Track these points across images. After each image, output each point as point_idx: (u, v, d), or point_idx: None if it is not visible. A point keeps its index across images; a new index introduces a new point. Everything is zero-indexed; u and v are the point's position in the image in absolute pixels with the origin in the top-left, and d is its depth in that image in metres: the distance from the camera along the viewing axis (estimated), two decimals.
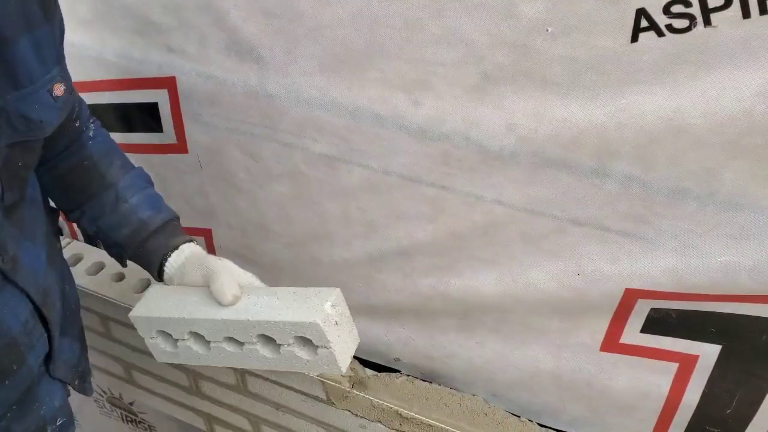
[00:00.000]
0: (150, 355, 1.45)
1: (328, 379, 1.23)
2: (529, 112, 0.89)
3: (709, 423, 1.06)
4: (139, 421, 2.00)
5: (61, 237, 1.52)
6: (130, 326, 1.43)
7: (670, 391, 1.05)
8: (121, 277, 1.45)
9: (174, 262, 1.00)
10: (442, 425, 1.18)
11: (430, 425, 1.20)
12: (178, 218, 1.06)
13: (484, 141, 0.94)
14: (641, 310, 1.00)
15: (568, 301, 1.04)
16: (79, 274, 1.45)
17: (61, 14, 0.83)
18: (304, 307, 0.88)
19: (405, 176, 1.04)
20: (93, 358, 1.58)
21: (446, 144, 0.97)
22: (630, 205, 0.90)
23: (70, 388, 1.09)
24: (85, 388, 1.16)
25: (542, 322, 1.09)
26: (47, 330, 0.93)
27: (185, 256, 1.00)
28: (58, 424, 1.01)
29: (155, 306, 1.01)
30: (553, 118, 0.88)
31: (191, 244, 1.01)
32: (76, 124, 0.99)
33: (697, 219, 0.87)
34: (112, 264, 1.47)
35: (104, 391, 1.98)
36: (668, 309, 0.98)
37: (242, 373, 1.34)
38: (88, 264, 1.48)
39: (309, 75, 1.01)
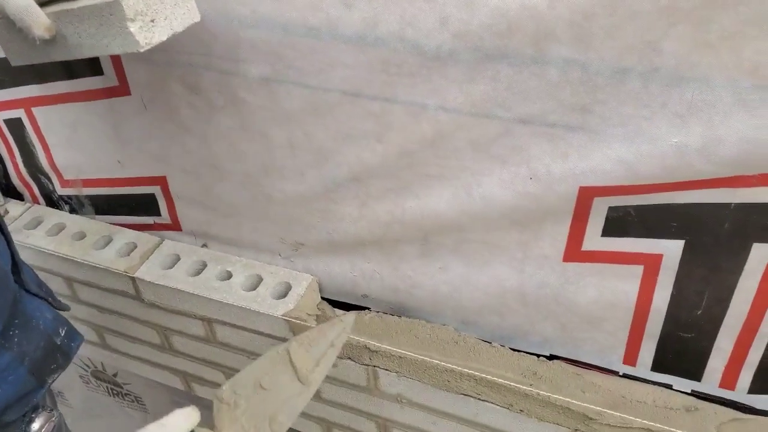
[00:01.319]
0: (119, 314, 1.43)
1: (294, 318, 1.19)
2: (461, 2, 0.84)
3: (682, 328, 1.02)
4: (126, 394, 1.99)
5: (21, 201, 1.49)
6: (96, 286, 1.41)
7: (638, 297, 1.01)
8: (82, 236, 1.42)
9: None
10: (414, 355, 1.15)
11: (400, 357, 1.16)
12: None
13: (419, 40, 0.90)
14: (599, 211, 0.95)
15: (525, 210, 0.99)
16: (40, 237, 1.42)
17: None
18: None
19: (346, 92, 1.00)
20: None
21: (383, 49, 0.93)
22: (572, 92, 0.85)
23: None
24: (60, 305, 1.13)
25: (502, 237, 1.05)
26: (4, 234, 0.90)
27: None
28: (62, 334, 0.96)
29: None
30: (486, 5, 0.83)
31: None
32: None
33: (642, 100, 0.83)
34: (72, 224, 1.44)
35: (87, 365, 1.96)
36: (626, 206, 0.93)
37: (210, 323, 1.31)
38: (48, 226, 1.45)
39: None
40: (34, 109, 1.33)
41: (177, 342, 1.43)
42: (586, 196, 0.94)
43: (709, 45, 0.76)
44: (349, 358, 1.21)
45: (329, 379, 1.27)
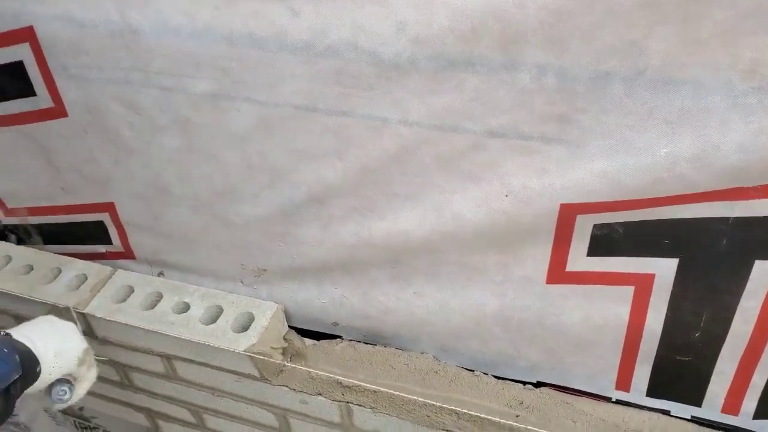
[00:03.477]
0: None
1: (257, 353, 1.09)
2: (419, 3, 0.75)
3: (679, 351, 0.93)
4: (93, 427, 1.87)
5: None
6: None
7: (629, 318, 0.92)
8: (29, 269, 1.31)
9: None
10: (389, 390, 1.05)
11: (375, 391, 1.07)
12: None
13: (375, 48, 0.80)
14: (583, 229, 0.86)
15: (502, 229, 0.90)
16: None
17: None
18: None
19: (299, 106, 0.90)
20: None
21: (335, 59, 0.83)
22: (547, 101, 0.76)
23: None
24: None
25: (478, 259, 0.96)
26: None
27: None
28: None
29: None
30: (446, 5, 0.73)
31: None
32: None
33: (626, 107, 0.73)
34: (19, 256, 1.33)
35: None
36: (612, 223, 0.84)
37: (169, 359, 1.21)
38: None
39: None
40: None
41: (137, 379, 1.33)
42: (568, 214, 0.84)
43: (699, 43, 0.67)
44: (320, 394, 1.11)
45: (300, 415, 1.17)
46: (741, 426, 0.96)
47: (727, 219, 0.78)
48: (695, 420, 0.98)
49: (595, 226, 0.85)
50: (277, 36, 0.85)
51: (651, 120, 0.73)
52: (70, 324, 1.03)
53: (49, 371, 0.94)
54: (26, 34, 1.00)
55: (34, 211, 1.31)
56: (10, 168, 1.24)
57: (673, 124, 0.72)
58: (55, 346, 0.96)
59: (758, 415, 0.94)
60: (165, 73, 0.94)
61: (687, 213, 0.79)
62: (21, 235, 1.39)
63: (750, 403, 0.93)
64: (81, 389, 1.02)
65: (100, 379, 1.37)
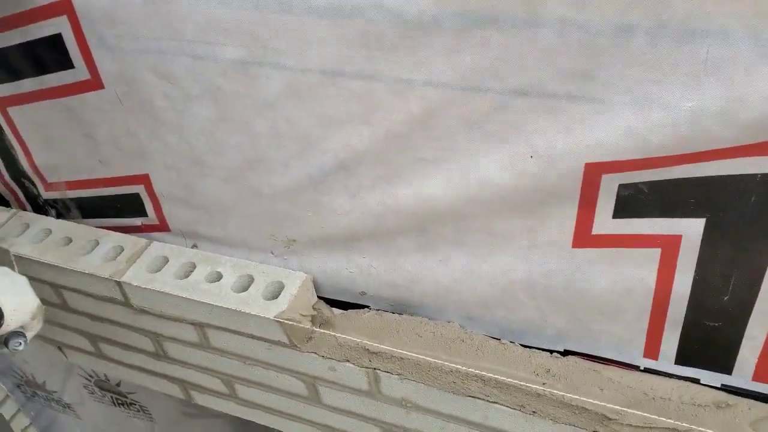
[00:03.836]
0: (111, 321, 1.36)
1: (287, 320, 1.11)
2: None
3: (707, 316, 0.92)
4: (131, 403, 1.93)
5: (7, 208, 1.43)
6: (84, 293, 1.34)
7: (656, 283, 0.91)
8: (68, 241, 1.35)
9: None
10: (415, 356, 1.06)
11: (401, 358, 1.08)
12: None
13: (399, 7, 0.81)
14: (609, 189, 0.86)
15: (527, 192, 0.90)
16: (25, 244, 1.36)
17: None
18: None
19: (326, 71, 0.92)
20: (56, 333, 1.49)
21: (360, 20, 0.84)
22: (571, 57, 0.76)
23: None
24: None
25: (504, 224, 0.96)
26: None
27: None
28: None
29: None
30: None
31: None
32: None
33: (650, 61, 0.73)
34: (58, 229, 1.38)
35: (90, 375, 1.90)
36: (638, 183, 0.83)
37: (202, 328, 1.24)
38: (34, 232, 1.38)
39: None
40: (10, 110, 1.26)
41: (171, 349, 1.36)
42: (593, 174, 0.84)
43: None
44: (347, 361, 1.13)
45: (328, 383, 1.19)
46: None
47: (755, 176, 0.77)
48: (725, 388, 0.97)
49: (620, 186, 0.84)
50: None
51: (675, 73, 0.72)
52: (24, 278, 1.09)
53: (8, 323, 1.01)
54: (64, 6, 1.03)
55: (72, 185, 1.35)
56: (50, 141, 1.29)
57: (698, 77, 0.72)
58: (15, 300, 1.03)
59: None
60: (197, 41, 0.97)
61: (713, 170, 0.78)
62: (60, 209, 1.43)
63: None
64: (29, 340, 1.08)
65: (136, 350, 1.41)
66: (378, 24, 0.84)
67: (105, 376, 1.85)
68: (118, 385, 1.86)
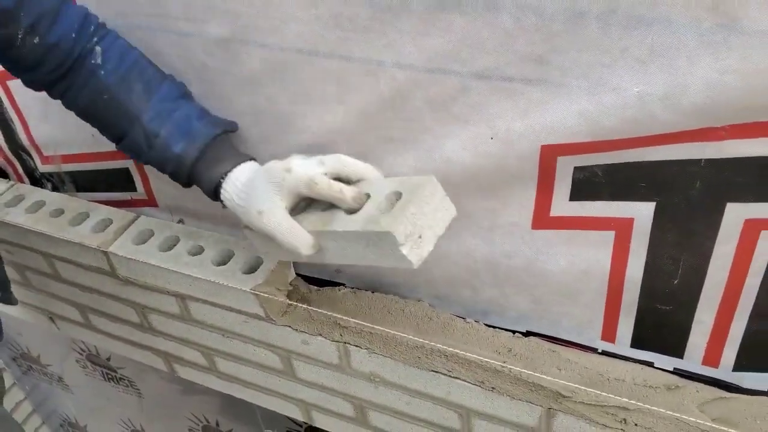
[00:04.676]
0: (99, 291, 1.41)
1: (263, 292, 1.16)
2: None
3: (659, 300, 0.95)
4: (120, 378, 1.97)
5: (6, 180, 1.49)
6: (74, 263, 1.39)
7: (611, 265, 0.95)
8: (60, 213, 1.40)
9: (231, 193, 0.98)
10: (383, 330, 1.10)
11: (370, 333, 1.12)
12: (222, 132, 1.01)
13: None
14: (565, 172, 0.89)
15: (488, 173, 0.94)
16: (19, 214, 1.41)
17: None
18: None
19: (302, 50, 0.96)
20: (49, 304, 1.54)
21: (335, 1, 0.89)
22: (528, 41, 0.80)
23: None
24: (9, 299, 1.16)
25: (468, 204, 1.00)
26: None
27: (241, 183, 0.96)
28: None
29: None
30: None
31: (241, 166, 0.98)
32: (35, 41, 0.92)
33: (601, 46, 0.77)
34: (52, 201, 1.43)
35: (82, 349, 1.95)
36: (593, 166, 0.87)
37: (183, 299, 1.28)
38: (28, 203, 1.44)
39: None
40: (9, 82, 1.31)
41: (155, 320, 1.40)
42: (549, 156, 0.88)
43: None
44: (320, 335, 1.17)
45: (302, 357, 1.23)
46: (722, 378, 0.97)
47: (699, 161, 0.80)
48: (677, 372, 1.00)
49: (575, 168, 0.88)
50: None
51: (624, 59, 0.76)
52: None
53: None
54: None
55: (68, 159, 1.41)
56: (47, 116, 1.34)
57: (645, 63, 0.75)
58: None
59: (738, 366, 0.96)
60: (182, 17, 1.01)
61: (661, 155, 0.82)
62: (56, 183, 1.48)
63: (730, 354, 0.95)
64: None
65: (122, 321, 1.46)
66: (351, 5, 0.88)
67: (96, 349, 1.90)
68: (108, 359, 1.91)
